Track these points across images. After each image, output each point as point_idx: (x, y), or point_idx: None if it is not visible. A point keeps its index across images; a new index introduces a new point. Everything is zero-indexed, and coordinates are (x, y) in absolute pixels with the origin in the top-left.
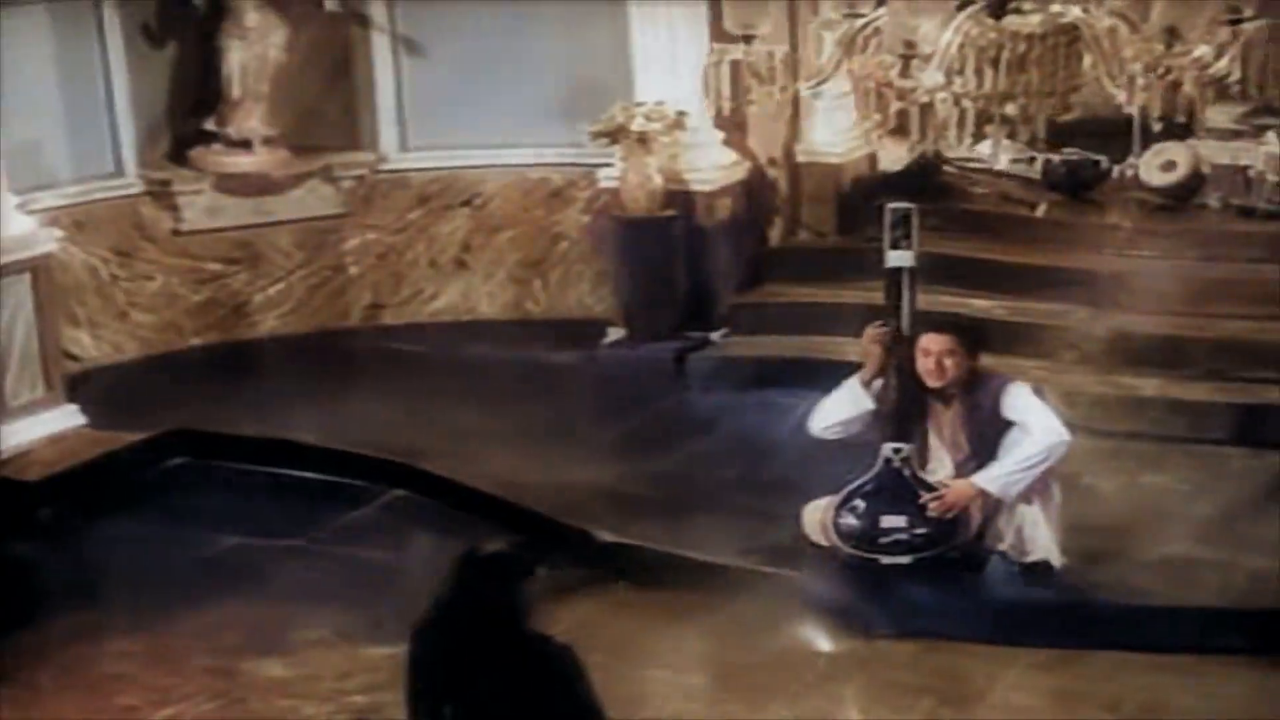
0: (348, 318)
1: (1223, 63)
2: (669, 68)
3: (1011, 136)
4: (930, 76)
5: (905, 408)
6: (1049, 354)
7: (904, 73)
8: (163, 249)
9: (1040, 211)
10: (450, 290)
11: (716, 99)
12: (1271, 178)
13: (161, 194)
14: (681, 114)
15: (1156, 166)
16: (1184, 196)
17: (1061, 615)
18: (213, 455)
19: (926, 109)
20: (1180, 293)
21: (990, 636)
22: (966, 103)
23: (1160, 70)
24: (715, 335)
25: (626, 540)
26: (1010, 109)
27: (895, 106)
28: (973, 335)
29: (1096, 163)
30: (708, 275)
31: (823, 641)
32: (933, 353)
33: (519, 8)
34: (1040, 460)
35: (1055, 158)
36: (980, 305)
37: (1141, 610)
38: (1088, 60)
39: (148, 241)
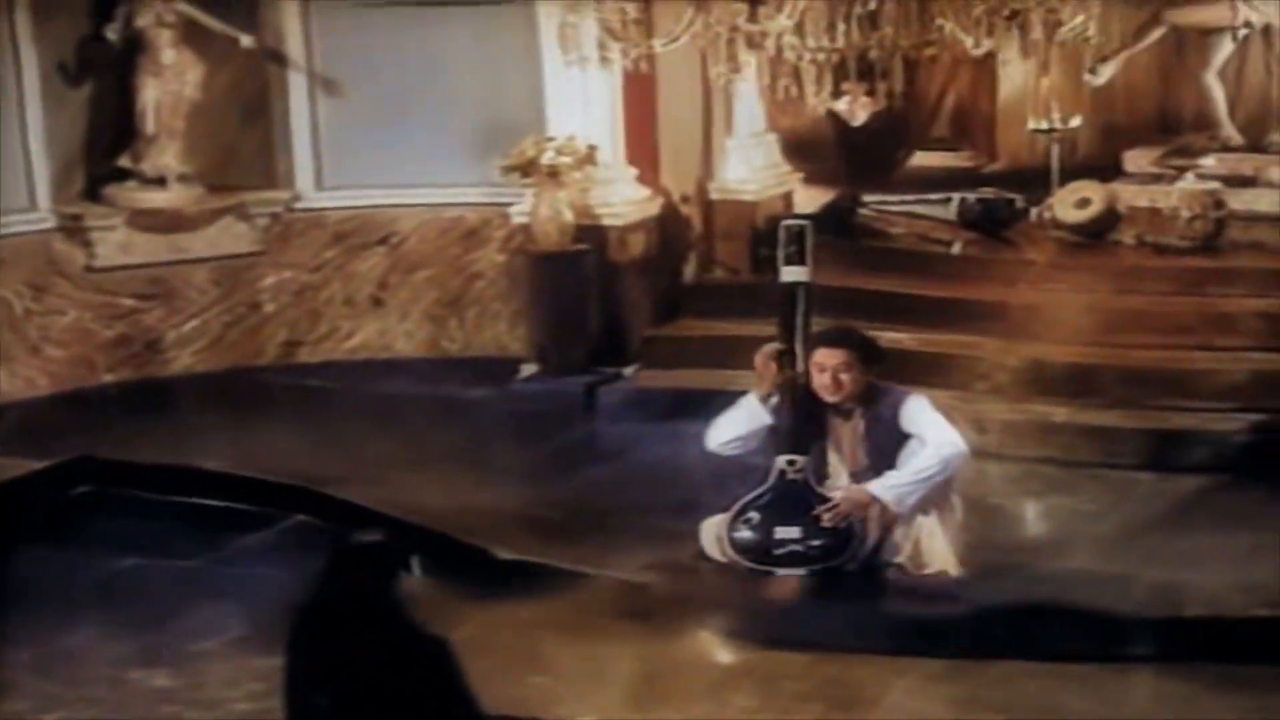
0: (263, 355)
1: (1079, 20)
2: (581, 105)
3: (870, 94)
4: (777, 23)
5: (801, 422)
6: (960, 385)
7: (751, 18)
8: (76, 284)
9: (956, 249)
10: (367, 328)
11: (576, 59)
12: (1184, 214)
13: (74, 229)
14: (592, 148)
15: (1071, 203)
16: (1099, 233)
17: (958, 625)
18: (117, 483)
19: (777, 57)
20: (1093, 324)
21: (886, 647)
22: (821, 56)
23: (1006, 12)
24: (627, 370)
25: (522, 557)
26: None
27: (744, 55)
28: (868, 349)
29: (1011, 201)
30: (620, 311)
31: (717, 652)
32: (828, 368)
33: (434, 48)
34: (936, 471)
35: (971, 196)
36: (891, 337)
37: (1040, 618)
38: (942, 18)
39: (61, 277)
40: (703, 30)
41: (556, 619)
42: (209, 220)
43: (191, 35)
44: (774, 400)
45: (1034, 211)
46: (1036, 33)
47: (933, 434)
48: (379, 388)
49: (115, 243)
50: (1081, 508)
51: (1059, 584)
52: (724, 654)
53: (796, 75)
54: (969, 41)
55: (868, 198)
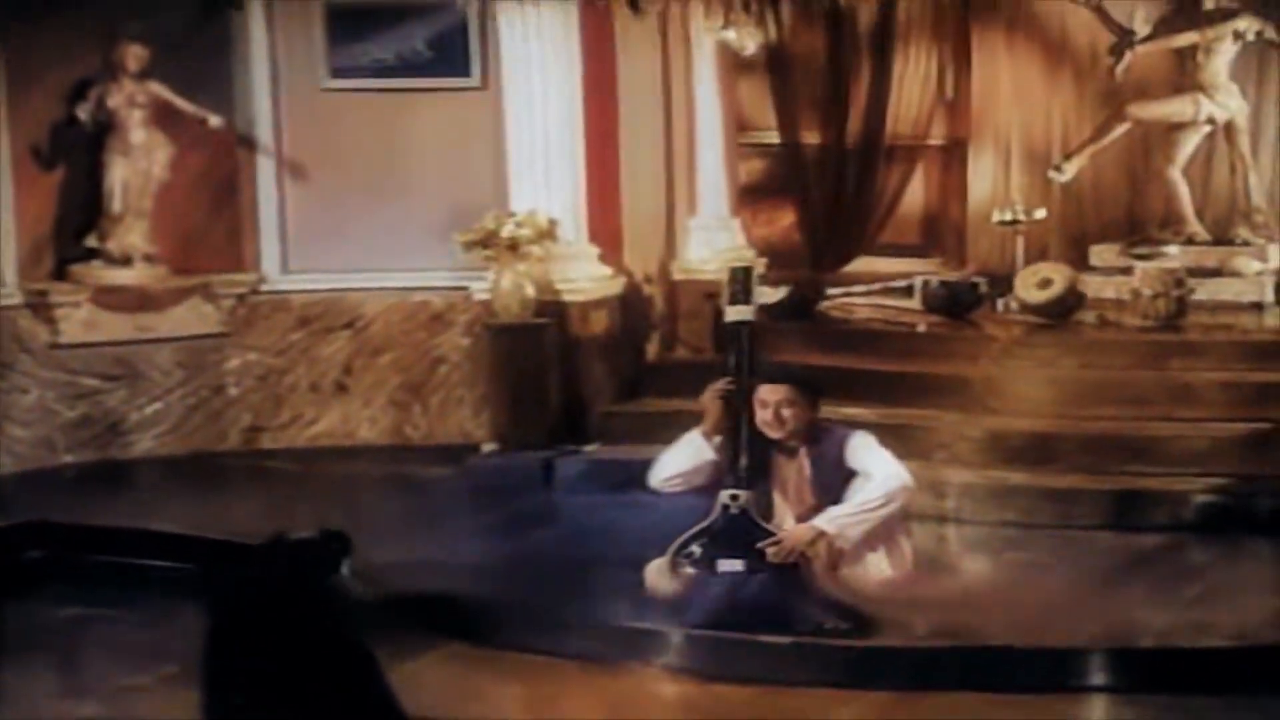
0: (226, 440)
1: None
2: (544, 188)
3: (759, 24)
4: None
5: (745, 458)
6: (920, 454)
7: None
8: (40, 362)
9: (921, 329)
10: (330, 414)
11: None
12: (1146, 292)
13: (39, 305)
14: (553, 222)
15: (1033, 284)
16: (1061, 314)
17: (904, 658)
18: (69, 547)
19: None
20: (1054, 396)
21: (830, 680)
22: None
23: None
24: (588, 448)
25: (463, 597)
26: None
27: None
28: (811, 386)
29: (975, 285)
30: (582, 389)
31: (661, 687)
32: (770, 404)
33: (401, 134)
34: (881, 504)
35: (934, 280)
36: (849, 412)
37: (988, 649)
38: None
39: (25, 354)
40: None
41: (496, 660)
42: (174, 300)
43: (162, 117)
44: (718, 439)
45: (999, 303)
46: None
47: (878, 467)
48: (338, 468)
49: (80, 320)
50: (1037, 561)
51: (1010, 621)
52: (667, 689)
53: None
54: None
55: (831, 290)
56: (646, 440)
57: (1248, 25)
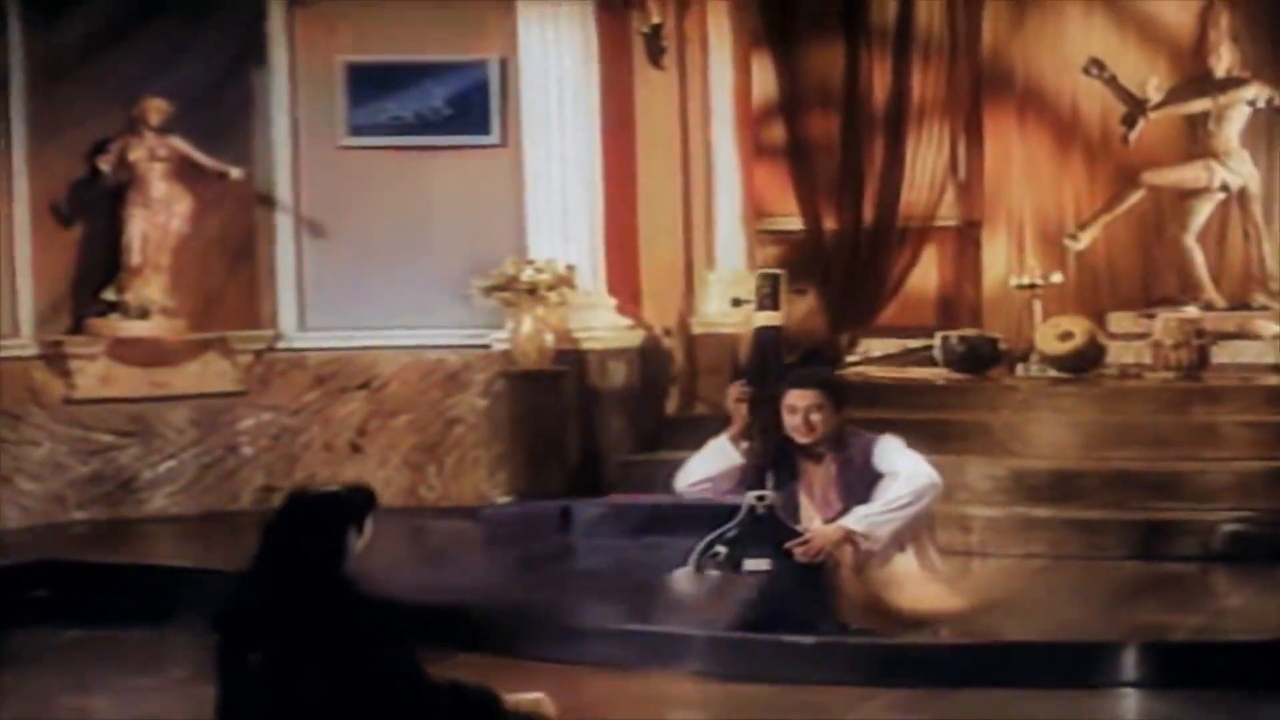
0: (239, 500)
1: None
2: (562, 243)
3: None
4: None
5: (774, 462)
6: (943, 494)
7: None
8: (53, 416)
9: (942, 380)
10: (344, 475)
11: None
12: (1167, 342)
13: (55, 356)
14: (570, 267)
15: (1054, 337)
16: (1082, 367)
17: (927, 655)
18: (75, 585)
19: None
20: (1077, 440)
21: (854, 678)
22: None
23: None
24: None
25: (476, 608)
26: None
27: None
28: (838, 389)
29: (995, 341)
30: (600, 440)
31: (680, 687)
32: (799, 409)
33: (419, 191)
34: (909, 502)
35: (953, 335)
36: None
37: (1009, 647)
38: None
39: (38, 407)
40: None
41: (513, 666)
42: (190, 354)
43: (183, 171)
44: (745, 445)
45: (1019, 366)
46: None
47: (905, 466)
48: None
49: (95, 374)
50: (1066, 582)
51: (1039, 621)
52: (685, 689)
53: None
54: None
55: (850, 358)
56: (664, 489)
57: (1258, 93)
